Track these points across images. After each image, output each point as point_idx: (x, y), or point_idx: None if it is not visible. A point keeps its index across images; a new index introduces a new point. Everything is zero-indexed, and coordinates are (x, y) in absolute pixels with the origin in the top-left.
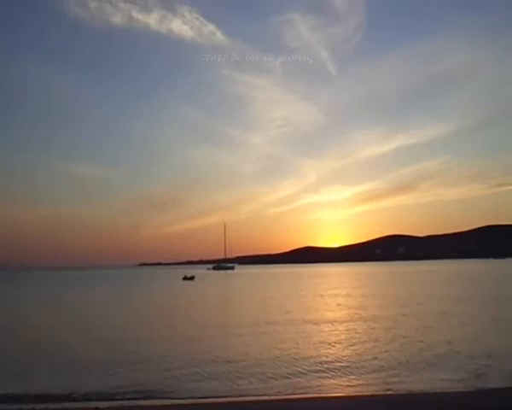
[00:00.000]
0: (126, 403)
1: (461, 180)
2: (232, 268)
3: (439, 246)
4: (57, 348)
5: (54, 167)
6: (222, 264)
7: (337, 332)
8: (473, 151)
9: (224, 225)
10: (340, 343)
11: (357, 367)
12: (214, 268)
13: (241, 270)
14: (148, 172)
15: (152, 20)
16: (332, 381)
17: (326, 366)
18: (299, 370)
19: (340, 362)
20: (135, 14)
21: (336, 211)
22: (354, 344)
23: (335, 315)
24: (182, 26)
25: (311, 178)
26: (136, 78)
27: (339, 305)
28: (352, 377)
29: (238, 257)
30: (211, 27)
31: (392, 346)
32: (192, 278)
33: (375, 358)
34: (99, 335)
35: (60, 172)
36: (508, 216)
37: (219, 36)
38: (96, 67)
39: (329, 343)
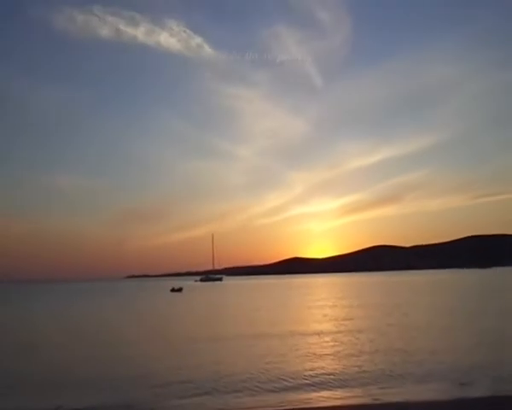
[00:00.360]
0: None
1: (444, 191)
2: (220, 280)
3: (424, 256)
4: (41, 364)
5: (39, 180)
6: (210, 275)
7: (324, 344)
8: (455, 163)
9: (212, 236)
10: (326, 356)
11: (343, 379)
12: (202, 280)
13: (229, 281)
14: (136, 183)
15: (139, 33)
16: (319, 393)
17: (313, 378)
18: (287, 383)
19: (326, 374)
20: (122, 27)
21: (323, 222)
22: (341, 356)
23: (322, 327)
24: (169, 38)
25: (299, 189)
26: (123, 90)
27: (325, 316)
28: (339, 388)
29: (226, 268)
30: (198, 40)
31: (377, 357)
32: (180, 289)
33: (361, 369)
34: (85, 351)
35: (45, 185)
36: (489, 226)
37: (207, 49)
38: (83, 79)
39: (316, 356)
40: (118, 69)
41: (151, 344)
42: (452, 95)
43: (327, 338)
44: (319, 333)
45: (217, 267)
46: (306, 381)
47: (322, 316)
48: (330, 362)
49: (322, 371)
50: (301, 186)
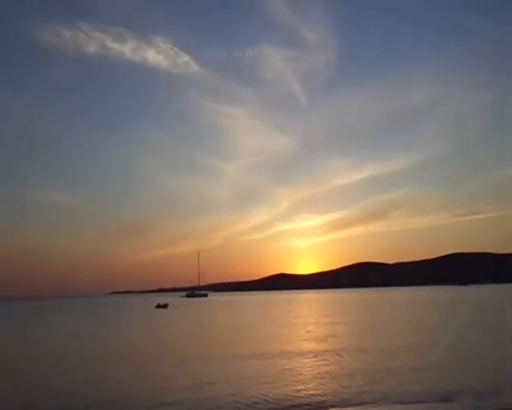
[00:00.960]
0: None
1: (427, 209)
2: (205, 295)
3: (408, 273)
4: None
5: (24, 196)
6: (195, 291)
7: (308, 366)
8: (438, 182)
9: (198, 252)
10: (311, 378)
11: (324, 401)
12: (187, 296)
13: (214, 297)
14: (121, 199)
15: (126, 49)
16: None
17: (297, 401)
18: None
19: (310, 397)
20: (109, 43)
21: (308, 238)
22: (323, 377)
23: (305, 345)
24: (156, 55)
25: (284, 206)
26: (110, 106)
27: (308, 332)
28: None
29: (212, 284)
30: (185, 58)
31: (358, 374)
32: (165, 305)
33: (342, 387)
34: (64, 375)
35: (30, 201)
36: (470, 244)
37: (194, 66)
38: (69, 95)
39: (301, 377)
40: (104, 85)
41: (128, 364)
42: (435, 116)
43: (313, 360)
44: (305, 353)
45: (202, 283)
46: (289, 402)
47: (306, 332)
48: (313, 384)
49: (305, 394)
50: (286, 203)
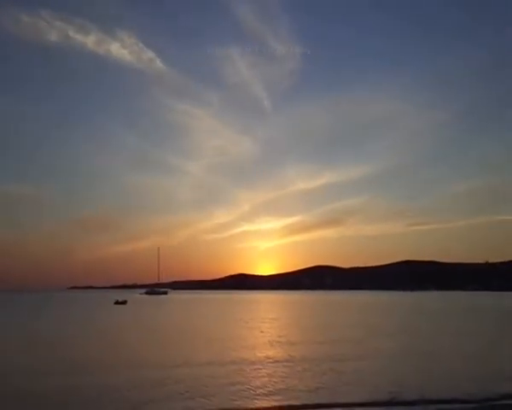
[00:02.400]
0: None
1: (380, 218)
2: (165, 293)
3: (361, 278)
4: None
5: None
6: (155, 289)
7: (265, 371)
8: (391, 192)
9: (158, 249)
10: (264, 387)
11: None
12: (147, 293)
13: (174, 295)
14: (83, 194)
15: (89, 41)
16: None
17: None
18: None
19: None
20: (71, 33)
21: (268, 241)
22: (273, 369)
23: (268, 351)
24: (120, 49)
25: (245, 207)
26: (71, 97)
27: (262, 332)
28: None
29: (172, 282)
30: (150, 54)
31: (309, 373)
32: (124, 302)
33: (296, 383)
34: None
35: None
36: (420, 252)
37: (159, 63)
38: (28, 85)
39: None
40: (65, 76)
41: (75, 373)
42: (391, 130)
43: (270, 368)
44: (268, 359)
45: (163, 281)
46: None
47: (259, 332)
48: (270, 390)
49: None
50: (248, 205)
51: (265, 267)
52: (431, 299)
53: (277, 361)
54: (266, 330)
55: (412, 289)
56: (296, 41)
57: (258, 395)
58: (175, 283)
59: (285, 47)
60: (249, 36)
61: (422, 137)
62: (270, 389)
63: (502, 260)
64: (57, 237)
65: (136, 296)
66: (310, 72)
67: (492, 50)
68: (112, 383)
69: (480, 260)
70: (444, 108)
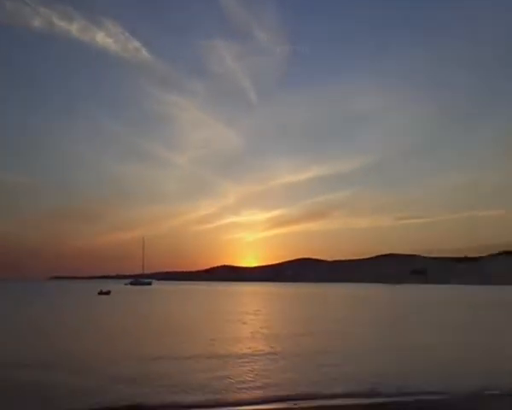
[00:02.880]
0: None
1: (366, 211)
2: (149, 284)
3: (346, 270)
4: None
5: None
6: (139, 279)
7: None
8: (378, 186)
9: (143, 240)
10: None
11: (265, 388)
12: (131, 283)
13: (158, 286)
14: (67, 184)
15: (73, 29)
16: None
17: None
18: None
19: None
20: (56, 20)
21: (253, 233)
22: (256, 361)
23: (250, 343)
24: (106, 38)
25: (231, 199)
26: (55, 85)
27: (244, 323)
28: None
29: (156, 273)
30: (136, 44)
31: (293, 364)
32: (108, 292)
33: (280, 377)
34: None
35: None
36: (406, 246)
37: (144, 53)
38: (12, 71)
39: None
40: (49, 62)
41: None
42: (378, 123)
43: (253, 361)
44: (249, 351)
45: (147, 271)
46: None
47: (242, 324)
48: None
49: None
50: (233, 197)
51: (250, 259)
52: (413, 292)
53: (260, 354)
54: (250, 322)
55: (393, 282)
56: (282, 32)
57: (242, 388)
58: (160, 273)
59: (271, 38)
60: (235, 27)
61: (410, 131)
62: (252, 382)
63: (483, 254)
64: (41, 227)
65: (121, 287)
66: (296, 63)
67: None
68: (87, 378)
69: (462, 254)
70: (431, 102)
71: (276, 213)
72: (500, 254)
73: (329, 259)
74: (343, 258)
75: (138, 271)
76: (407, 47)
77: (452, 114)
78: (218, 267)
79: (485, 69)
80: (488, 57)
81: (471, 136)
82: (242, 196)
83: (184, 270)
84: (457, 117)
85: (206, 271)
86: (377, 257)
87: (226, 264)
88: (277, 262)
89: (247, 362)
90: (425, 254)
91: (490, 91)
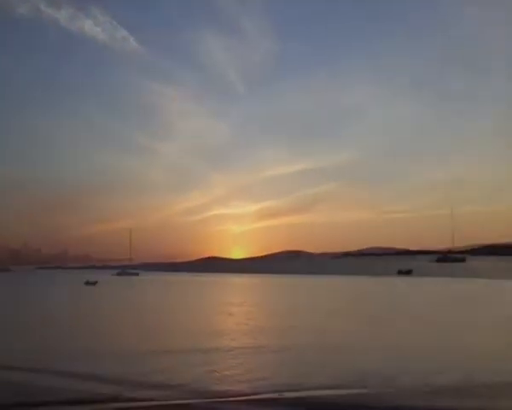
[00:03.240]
0: None
1: (352, 205)
2: (137, 274)
3: (331, 263)
4: None
5: None
6: (126, 270)
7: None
8: (363, 180)
9: (130, 230)
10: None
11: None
12: (118, 274)
13: (145, 277)
14: (51, 173)
15: (61, 16)
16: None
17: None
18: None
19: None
20: (43, 7)
21: (241, 225)
22: (241, 355)
23: (237, 337)
24: (93, 27)
25: (219, 191)
26: (41, 73)
27: (230, 314)
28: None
29: (144, 263)
30: (124, 33)
31: (280, 356)
32: (95, 283)
33: (266, 368)
34: None
35: None
36: (391, 240)
37: (132, 42)
38: None
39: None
40: (36, 50)
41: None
42: (365, 118)
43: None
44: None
45: (134, 262)
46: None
47: (228, 315)
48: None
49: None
50: (222, 188)
51: (238, 251)
52: (396, 285)
53: (244, 348)
54: (236, 313)
55: (380, 274)
56: (271, 24)
57: (226, 381)
58: (147, 264)
59: (259, 29)
60: (222, 17)
61: (396, 125)
62: (237, 375)
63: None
64: (24, 217)
65: (108, 277)
66: (285, 55)
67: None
68: (71, 372)
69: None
70: (418, 97)
71: (263, 205)
72: (483, 248)
73: (316, 251)
74: (329, 251)
75: (125, 262)
76: (395, 42)
77: (438, 111)
78: (205, 259)
79: (471, 69)
80: (474, 57)
81: (457, 132)
82: (230, 187)
83: (172, 261)
84: (443, 114)
85: (194, 262)
86: (363, 250)
87: (213, 255)
88: (264, 254)
89: (232, 355)
90: (410, 248)
91: (475, 90)
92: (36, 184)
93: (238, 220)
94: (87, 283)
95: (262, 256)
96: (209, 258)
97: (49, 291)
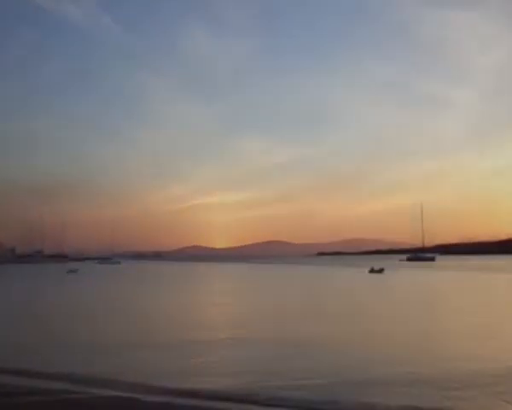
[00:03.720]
0: None
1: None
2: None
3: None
4: None
5: None
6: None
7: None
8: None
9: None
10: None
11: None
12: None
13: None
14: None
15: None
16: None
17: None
18: None
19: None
20: None
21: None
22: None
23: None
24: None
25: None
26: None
27: (213, 305)
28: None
29: (127, 252)
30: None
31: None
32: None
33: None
34: None
35: None
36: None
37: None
38: None
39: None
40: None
41: None
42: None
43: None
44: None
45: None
46: None
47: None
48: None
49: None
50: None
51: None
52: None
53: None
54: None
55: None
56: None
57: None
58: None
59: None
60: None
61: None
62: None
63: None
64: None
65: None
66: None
67: None
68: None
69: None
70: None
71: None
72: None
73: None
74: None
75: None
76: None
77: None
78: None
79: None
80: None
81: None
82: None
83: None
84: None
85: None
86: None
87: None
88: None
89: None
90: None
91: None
92: (17, 173)
93: (221, 210)
94: (69, 271)
95: (243, 245)
96: (192, 247)
97: (30, 281)
